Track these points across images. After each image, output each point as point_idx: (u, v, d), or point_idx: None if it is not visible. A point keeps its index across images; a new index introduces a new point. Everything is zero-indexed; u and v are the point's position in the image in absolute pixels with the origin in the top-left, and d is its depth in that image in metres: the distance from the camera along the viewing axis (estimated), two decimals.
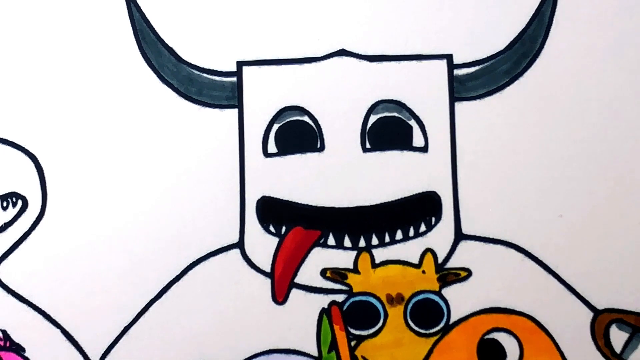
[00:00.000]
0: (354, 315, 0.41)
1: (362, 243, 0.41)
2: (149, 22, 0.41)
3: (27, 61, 0.41)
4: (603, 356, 0.41)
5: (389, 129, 0.41)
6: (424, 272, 0.41)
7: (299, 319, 0.41)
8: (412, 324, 0.41)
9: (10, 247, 0.42)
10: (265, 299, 0.42)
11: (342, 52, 0.41)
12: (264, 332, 0.41)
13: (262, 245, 0.41)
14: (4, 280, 0.42)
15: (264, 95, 0.41)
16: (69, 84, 0.41)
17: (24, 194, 0.42)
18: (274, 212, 0.41)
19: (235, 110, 0.41)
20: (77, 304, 0.42)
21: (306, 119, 0.41)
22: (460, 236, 0.41)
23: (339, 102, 0.41)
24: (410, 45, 0.41)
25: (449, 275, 0.41)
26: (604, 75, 0.41)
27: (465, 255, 0.41)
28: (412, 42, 0.41)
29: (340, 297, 0.41)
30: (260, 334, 0.41)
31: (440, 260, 0.41)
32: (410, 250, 0.42)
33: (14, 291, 0.42)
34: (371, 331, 0.41)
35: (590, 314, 0.41)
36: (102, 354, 0.42)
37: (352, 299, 0.41)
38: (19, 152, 0.42)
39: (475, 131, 0.41)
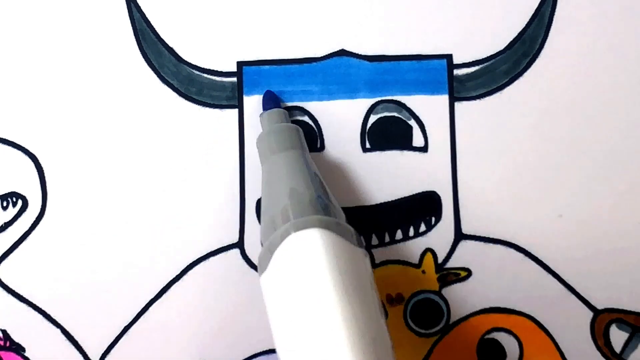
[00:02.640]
0: None
1: None
2: (149, 22, 0.41)
3: (27, 61, 0.41)
4: (603, 356, 0.41)
5: (388, 129, 0.41)
6: (423, 272, 0.41)
7: None
8: (412, 324, 0.41)
9: (10, 247, 0.42)
10: None
11: (342, 52, 0.41)
12: (264, 332, 0.41)
13: None
14: (4, 280, 0.42)
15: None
16: (69, 84, 0.41)
17: (24, 194, 0.42)
18: None
19: (236, 110, 0.41)
20: (77, 304, 0.42)
21: (306, 119, 0.41)
22: (460, 236, 0.41)
23: (339, 102, 0.41)
24: (410, 45, 0.41)
25: (449, 275, 0.41)
26: (604, 75, 0.41)
27: (465, 255, 0.41)
28: (412, 42, 0.41)
29: None
30: (260, 334, 0.42)
31: (440, 260, 0.41)
32: (410, 250, 0.42)
33: (14, 291, 0.42)
34: None
35: (590, 314, 0.41)
36: (102, 354, 0.42)
37: None
38: (19, 152, 0.42)
39: (475, 131, 0.41)
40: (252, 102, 0.41)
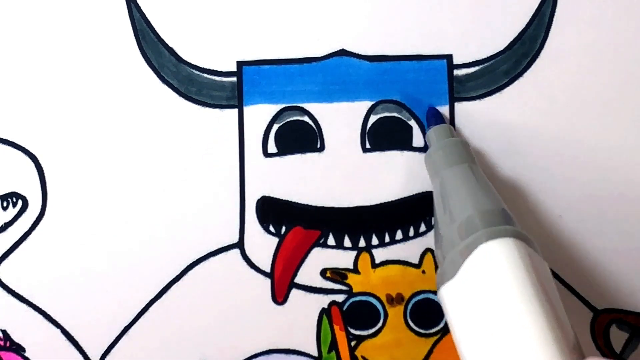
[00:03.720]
0: (354, 315, 0.41)
1: (362, 243, 0.41)
2: (149, 22, 0.41)
3: (27, 61, 0.41)
4: (603, 356, 0.41)
5: (389, 129, 0.41)
6: (424, 272, 0.41)
7: (299, 319, 0.41)
8: (412, 324, 0.41)
9: (10, 247, 0.42)
10: (265, 299, 0.42)
11: (342, 52, 0.41)
12: (264, 332, 0.42)
13: (262, 245, 0.42)
14: (4, 280, 0.42)
15: (264, 96, 0.41)
16: (69, 84, 0.41)
17: (24, 194, 0.42)
18: (274, 212, 0.41)
19: (235, 110, 0.41)
20: (77, 304, 0.42)
21: (306, 119, 0.41)
22: None
23: (339, 102, 0.41)
24: (410, 45, 0.41)
25: None
26: (604, 75, 0.41)
27: None
28: (412, 42, 0.41)
29: (340, 297, 0.41)
30: (260, 334, 0.42)
31: None
32: (410, 250, 0.42)
33: (14, 291, 0.42)
34: (371, 331, 0.41)
35: (590, 314, 0.41)
36: (102, 354, 0.42)
37: (352, 299, 0.41)
38: (19, 152, 0.42)
39: (475, 131, 0.41)
40: (252, 105, 0.41)
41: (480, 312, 0.33)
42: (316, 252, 0.41)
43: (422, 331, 0.41)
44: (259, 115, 0.41)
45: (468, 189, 0.37)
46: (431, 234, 0.41)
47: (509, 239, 0.34)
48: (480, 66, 0.41)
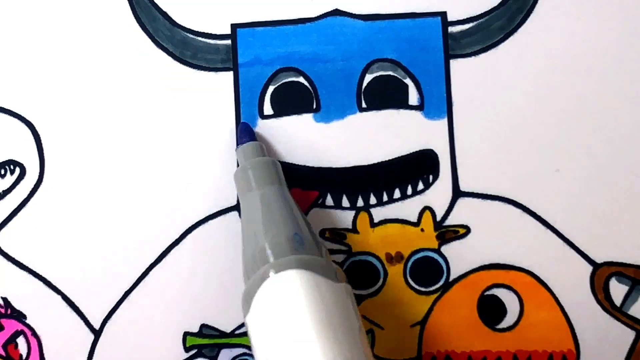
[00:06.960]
0: (353, 275, 0.41)
1: (360, 203, 0.41)
2: None
3: (21, 27, 0.41)
4: (603, 309, 0.41)
5: (384, 88, 0.41)
6: (422, 230, 0.41)
7: None
8: (411, 282, 0.41)
9: (9, 215, 0.42)
10: None
11: (336, 12, 0.41)
12: None
13: None
14: (3, 248, 0.42)
15: (259, 58, 0.41)
16: (64, 50, 0.41)
17: (21, 162, 0.42)
18: None
19: (231, 73, 0.41)
20: (77, 270, 0.42)
21: (301, 80, 0.41)
22: (458, 193, 0.41)
23: (334, 62, 0.41)
24: (404, 3, 0.41)
25: (448, 233, 0.41)
26: (599, 29, 0.41)
27: (464, 212, 0.41)
28: (406, 0, 0.41)
29: (339, 257, 0.41)
30: None
31: (438, 218, 0.41)
32: (408, 208, 0.42)
33: (14, 258, 0.42)
34: (371, 290, 0.41)
35: (590, 268, 0.41)
36: (104, 319, 0.42)
37: (351, 259, 0.41)
38: (16, 120, 0.42)
39: (471, 88, 0.41)
40: (247, 67, 0.41)
41: (271, 344, 0.33)
42: (314, 212, 0.41)
43: (422, 289, 0.41)
44: (254, 77, 0.41)
45: (265, 214, 0.37)
46: (429, 192, 0.41)
47: (292, 270, 0.34)
48: (474, 22, 0.41)
